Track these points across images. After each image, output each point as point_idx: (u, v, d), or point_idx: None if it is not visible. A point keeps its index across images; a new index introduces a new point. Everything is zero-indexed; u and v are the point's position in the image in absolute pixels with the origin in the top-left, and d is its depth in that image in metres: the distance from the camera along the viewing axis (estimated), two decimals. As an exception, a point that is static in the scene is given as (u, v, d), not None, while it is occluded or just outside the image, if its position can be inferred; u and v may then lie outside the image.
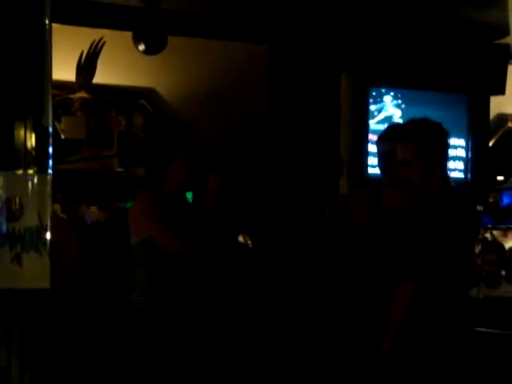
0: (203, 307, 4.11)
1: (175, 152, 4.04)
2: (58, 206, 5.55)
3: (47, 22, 2.04)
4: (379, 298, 4.19)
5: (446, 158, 4.06)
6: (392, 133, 4.46)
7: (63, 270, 4.68)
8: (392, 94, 7.72)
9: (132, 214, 4.14)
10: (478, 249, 8.17)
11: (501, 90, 7.80)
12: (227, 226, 4.40)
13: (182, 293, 4.03)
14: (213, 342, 4.12)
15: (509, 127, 8.86)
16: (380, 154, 4.50)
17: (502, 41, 7.71)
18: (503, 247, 7.59)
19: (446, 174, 4.10)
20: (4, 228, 1.96)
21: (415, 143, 3.93)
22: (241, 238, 4.23)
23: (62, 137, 5.77)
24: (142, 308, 4.07)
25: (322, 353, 4.84)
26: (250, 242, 4.22)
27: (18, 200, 1.97)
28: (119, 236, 5.34)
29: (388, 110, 7.76)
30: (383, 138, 4.50)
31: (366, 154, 7.46)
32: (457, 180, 7.35)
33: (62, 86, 4.34)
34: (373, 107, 7.69)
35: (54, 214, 4.57)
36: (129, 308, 4.12)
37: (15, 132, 1.97)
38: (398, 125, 5.47)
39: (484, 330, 4.71)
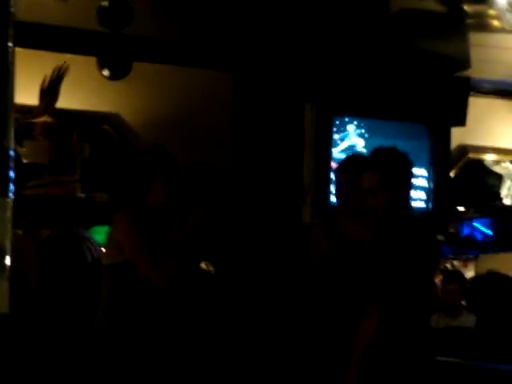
0: (166, 334, 4.09)
1: (154, 176, 4.04)
2: (20, 232, 5.50)
3: (10, 45, 2.04)
4: (342, 327, 4.19)
5: (409, 188, 4.10)
6: (351, 163, 4.49)
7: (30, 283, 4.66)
8: (355, 123, 7.77)
9: (112, 237, 4.11)
10: (438, 278, 8.23)
11: (461, 122, 7.88)
12: (194, 253, 4.39)
13: (150, 320, 4.00)
14: (173, 369, 4.09)
15: (469, 158, 8.95)
16: (338, 184, 4.52)
17: (463, 73, 7.81)
18: (464, 277, 7.64)
19: (409, 203, 4.14)
20: (-37, 251, 1.94)
21: (381, 172, 3.97)
22: (203, 265, 4.23)
23: (24, 161, 5.74)
24: (101, 333, 4.03)
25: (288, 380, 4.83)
26: (212, 269, 4.22)
27: (-23, 223, 1.96)
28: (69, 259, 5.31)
29: (351, 139, 7.81)
30: (342, 168, 4.53)
31: (329, 182, 7.49)
32: (418, 209, 7.41)
33: (25, 110, 4.32)
34: (336, 136, 7.73)
35: (15, 234, 4.53)
36: (88, 333, 4.09)
37: (-24, 155, 1.96)
38: (357, 155, 5.51)
39: (444, 359, 4.73)
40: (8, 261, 2.00)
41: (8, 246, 2.00)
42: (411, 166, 4.08)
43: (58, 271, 5.29)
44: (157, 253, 3.96)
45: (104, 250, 4.30)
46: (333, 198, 6.99)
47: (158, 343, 3.98)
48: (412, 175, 4.11)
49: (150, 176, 4.05)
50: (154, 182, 4.05)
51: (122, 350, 3.96)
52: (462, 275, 7.72)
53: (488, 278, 5.22)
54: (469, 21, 7.01)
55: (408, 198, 4.10)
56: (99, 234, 6.32)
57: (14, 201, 2.02)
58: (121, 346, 3.97)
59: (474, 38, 6.98)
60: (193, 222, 4.06)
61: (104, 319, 4.03)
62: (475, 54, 7.40)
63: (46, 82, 4.35)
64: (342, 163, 4.63)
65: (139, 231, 4.00)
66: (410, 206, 4.15)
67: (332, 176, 7.38)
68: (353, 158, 4.94)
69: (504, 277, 5.22)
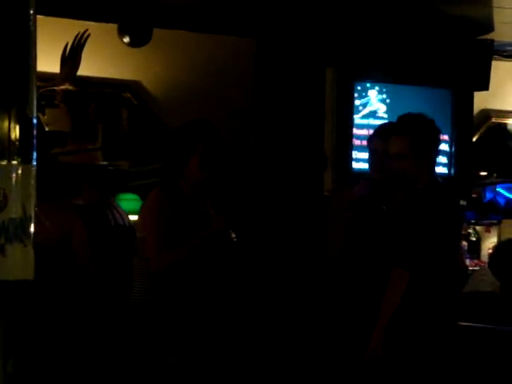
0: (190, 300, 4.12)
1: (195, 149, 4.05)
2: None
3: (32, 13, 2.04)
4: (373, 291, 4.21)
5: (436, 154, 4.10)
6: (386, 130, 4.47)
7: (84, 255, 4.73)
8: (377, 88, 7.73)
9: (142, 209, 4.24)
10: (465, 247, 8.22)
11: (485, 86, 7.82)
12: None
13: (174, 287, 4.05)
14: (196, 334, 4.13)
15: (492, 123, 8.89)
16: (372, 151, 4.51)
17: (486, 36, 7.74)
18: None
19: (435, 170, 4.14)
20: (-13, 219, 1.95)
21: (410, 137, 3.97)
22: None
23: (46, 129, 5.75)
24: (134, 301, 4.09)
25: (313, 347, 4.86)
26: (234, 236, 4.24)
27: (1, 191, 1.97)
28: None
29: (373, 104, 7.77)
30: (377, 135, 4.52)
31: (351, 148, 7.47)
32: (441, 175, 7.38)
33: (46, 77, 4.33)
34: (357, 102, 7.69)
35: (62, 205, 4.55)
36: (122, 301, 4.16)
37: (-1, 122, 1.97)
38: (391, 123, 5.49)
39: (468, 324, 4.73)
40: (32, 228, 2.01)
41: (32, 213, 2.00)
42: (439, 132, 4.09)
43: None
44: (176, 231, 4.01)
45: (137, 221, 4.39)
46: (358, 165, 6.99)
47: (177, 307, 4.04)
48: (439, 142, 4.11)
49: (190, 147, 4.07)
50: (194, 155, 4.07)
51: (146, 315, 4.01)
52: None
53: (510, 245, 5.22)
54: (492, -17, 6.94)
55: (434, 165, 4.10)
56: (124, 201, 6.37)
57: (47, 169, 2.03)
58: (145, 311, 4.02)
59: (497, 0, 6.90)
60: (213, 231, 4.11)
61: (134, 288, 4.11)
62: (498, 17, 7.33)
63: (67, 50, 4.35)
64: (375, 131, 4.62)
65: (167, 208, 4.04)
66: (435, 172, 4.15)
67: (355, 142, 7.37)
68: (386, 125, 4.92)
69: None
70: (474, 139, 8.61)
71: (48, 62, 4.04)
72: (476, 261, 9.04)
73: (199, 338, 4.12)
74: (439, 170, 7.81)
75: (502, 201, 8.90)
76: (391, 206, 4.36)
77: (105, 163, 6.58)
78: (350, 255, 4.49)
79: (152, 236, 4.04)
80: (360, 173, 6.35)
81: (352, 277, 4.44)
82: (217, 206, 4.27)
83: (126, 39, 6.98)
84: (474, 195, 8.76)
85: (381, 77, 7.64)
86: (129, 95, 7.46)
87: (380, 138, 4.46)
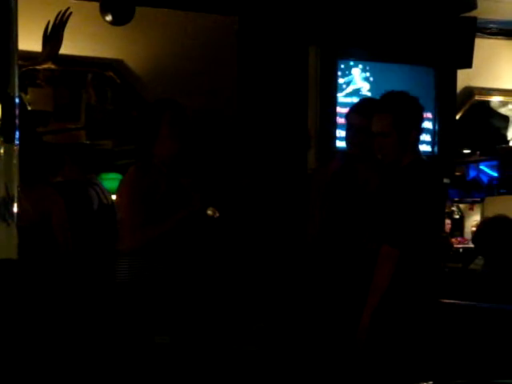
0: (172, 279, 4.13)
1: (161, 123, 4.04)
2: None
3: (13, -10, 2.02)
4: (354, 271, 4.21)
5: (419, 132, 4.11)
6: (364, 107, 4.47)
7: (63, 235, 4.72)
8: (360, 66, 7.72)
9: (118, 188, 4.22)
10: (448, 225, 8.25)
11: (468, 64, 7.82)
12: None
13: (158, 264, 4.06)
14: (180, 313, 4.13)
15: (475, 100, 8.91)
16: (349, 128, 4.50)
17: (470, 14, 7.73)
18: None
19: (418, 148, 4.15)
20: (-30, 199, 1.94)
21: (393, 114, 3.97)
22: (209, 211, 4.24)
23: (29, 108, 5.72)
24: (118, 281, 4.09)
25: (299, 324, 4.87)
26: (217, 215, 4.23)
27: (-16, 171, 1.95)
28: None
29: (356, 82, 7.76)
30: (355, 111, 4.51)
31: (334, 127, 7.47)
32: (424, 153, 7.39)
33: (28, 56, 4.30)
34: (341, 80, 7.69)
35: (40, 185, 4.56)
36: (105, 280, 4.16)
37: (-19, 102, 1.95)
38: (370, 99, 5.47)
39: (451, 301, 4.76)
40: (16, 208, 2.00)
41: (15, 193, 1.99)
42: (422, 110, 4.09)
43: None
44: (149, 215, 4.01)
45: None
46: (341, 143, 6.99)
47: (162, 285, 4.05)
48: (422, 120, 4.12)
49: (157, 122, 4.06)
50: (161, 128, 4.06)
51: (132, 293, 4.02)
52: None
53: (495, 222, 5.24)
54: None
55: (417, 142, 4.11)
56: (107, 180, 6.35)
57: (28, 148, 2.01)
58: (131, 289, 4.02)
59: (481, -22, 6.90)
60: (190, 210, 4.09)
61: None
62: (481, -5, 7.34)
63: (49, 29, 4.33)
64: (354, 106, 4.61)
65: (139, 190, 4.03)
66: (419, 150, 4.16)
67: (339, 121, 7.37)
68: (365, 100, 4.91)
69: (511, 220, 5.24)
70: (458, 117, 8.63)
71: (30, 40, 4.02)
72: (459, 238, 9.09)
73: (184, 316, 4.13)
74: (422, 148, 7.83)
75: (485, 178, 8.94)
76: (366, 183, 4.36)
77: (88, 142, 6.56)
78: (328, 232, 4.48)
79: (127, 214, 4.04)
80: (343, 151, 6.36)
81: (331, 256, 4.43)
82: (195, 184, 4.26)
83: (109, 17, 6.94)
84: (457, 173, 8.79)
85: (364, 55, 7.64)
86: (111, 74, 7.42)
87: (357, 113, 4.45)
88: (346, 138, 4.56)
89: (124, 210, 4.06)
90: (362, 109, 4.44)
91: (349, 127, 4.50)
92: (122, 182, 4.22)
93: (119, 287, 4.07)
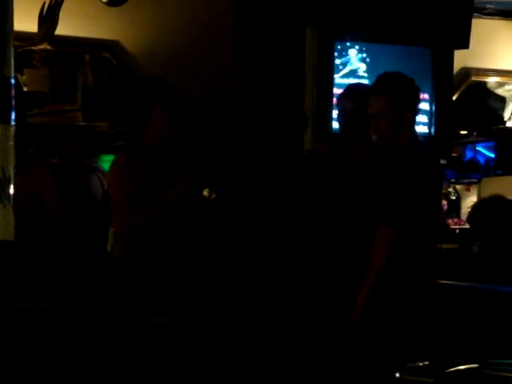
0: (171, 259, 4.12)
1: (153, 103, 4.01)
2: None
3: (8, -29, 2.01)
4: (356, 253, 4.21)
5: (416, 113, 4.10)
6: (354, 90, 4.47)
7: (54, 213, 4.72)
8: (357, 47, 7.70)
9: (110, 168, 4.17)
10: (445, 207, 8.25)
11: (465, 44, 7.81)
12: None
13: (154, 245, 4.05)
14: (178, 295, 4.14)
15: (472, 81, 8.90)
16: (341, 111, 4.50)
17: (467, -6, 7.72)
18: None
19: (415, 129, 4.14)
20: (-34, 179, 1.94)
21: (389, 96, 3.96)
22: (205, 193, 4.24)
23: (25, 89, 5.70)
24: (114, 258, 4.08)
25: (295, 308, 4.88)
26: (213, 196, 4.23)
27: (-20, 152, 1.95)
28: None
29: (353, 63, 7.74)
30: (345, 95, 4.51)
31: (331, 108, 7.46)
32: (421, 134, 7.39)
33: (24, 37, 4.29)
34: (338, 61, 7.67)
35: (33, 166, 4.57)
36: (101, 257, 4.15)
37: (-24, 82, 1.95)
38: (360, 83, 5.47)
39: (446, 282, 4.77)
40: (12, 189, 2.00)
41: (12, 174, 1.99)
42: (418, 91, 4.09)
43: (62, 199, 5.33)
44: (140, 197, 3.97)
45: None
46: (335, 125, 6.99)
47: (158, 266, 4.04)
48: (419, 101, 4.11)
49: (148, 102, 4.02)
50: (153, 109, 4.03)
51: (128, 273, 4.01)
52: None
53: (491, 202, 5.24)
54: None
55: (413, 124, 4.11)
56: (106, 162, 6.35)
57: (18, 129, 2.01)
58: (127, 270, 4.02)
59: (478, -42, 6.88)
60: (177, 192, 4.05)
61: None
62: (478, -25, 7.32)
63: (45, 10, 4.31)
64: (345, 90, 4.61)
65: (129, 173, 4.00)
66: (415, 131, 4.16)
67: (334, 101, 7.36)
68: (356, 85, 4.92)
69: (507, 201, 5.24)
70: (454, 98, 8.61)
71: (26, 21, 4.00)
72: (456, 219, 9.10)
73: (180, 296, 4.13)
74: (419, 129, 7.82)
75: (482, 159, 8.94)
76: (360, 166, 4.36)
77: (83, 124, 6.55)
78: (323, 213, 4.49)
79: (117, 198, 4.01)
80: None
81: (327, 236, 4.44)
82: (188, 165, 4.24)
83: (105, -2, 6.91)
84: (454, 154, 8.78)
85: (361, 36, 7.62)
86: (108, 55, 7.40)
87: (349, 97, 4.45)
88: (339, 122, 4.57)
89: (114, 193, 4.02)
90: (353, 93, 4.44)
91: (340, 111, 4.50)
92: (112, 165, 4.16)
93: (116, 266, 4.07)
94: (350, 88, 4.67)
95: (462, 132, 8.82)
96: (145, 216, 3.99)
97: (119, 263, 4.05)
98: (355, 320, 3.94)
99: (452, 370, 2.75)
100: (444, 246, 7.15)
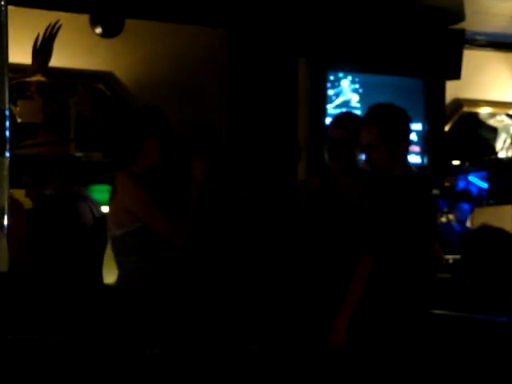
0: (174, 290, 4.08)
1: (148, 133, 3.99)
2: (21, 191, 5.50)
3: (3, 3, 2.03)
4: (332, 278, 4.21)
5: (408, 143, 4.11)
6: (344, 119, 4.48)
7: (13, 249, 4.65)
8: (350, 78, 7.76)
9: (117, 200, 3.94)
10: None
11: (456, 75, 7.87)
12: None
13: (170, 282, 3.98)
14: (171, 325, 4.12)
15: (464, 112, 8.94)
16: (330, 141, 4.50)
17: (458, 26, 7.78)
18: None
19: (407, 159, 4.15)
20: (-40, 210, 1.94)
21: (380, 127, 3.96)
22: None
23: (19, 120, 5.71)
24: (127, 294, 4.00)
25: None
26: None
27: (-26, 183, 1.96)
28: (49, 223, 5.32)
29: (346, 94, 7.79)
30: (335, 124, 4.52)
31: (324, 138, 7.49)
32: (414, 164, 7.42)
33: (18, 69, 4.30)
34: (331, 92, 7.72)
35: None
36: (103, 291, 4.10)
37: (-29, 114, 1.96)
38: (350, 112, 5.49)
39: (438, 311, 4.77)
40: (6, 220, 2.00)
41: (6, 205, 2.00)
42: (410, 121, 4.09)
43: (51, 230, 5.31)
44: (168, 211, 3.88)
45: (110, 216, 4.14)
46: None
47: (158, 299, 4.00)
48: (411, 131, 4.12)
49: (143, 134, 4.01)
50: (148, 141, 4.01)
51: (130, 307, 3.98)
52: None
53: (482, 232, 5.24)
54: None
55: (406, 154, 4.11)
56: (97, 192, 6.35)
57: (11, 160, 2.02)
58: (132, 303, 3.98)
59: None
60: (197, 182, 3.94)
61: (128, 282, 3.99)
62: (469, 7, 7.37)
63: (39, 41, 4.31)
64: (335, 120, 4.61)
65: (146, 187, 3.93)
66: (408, 161, 4.16)
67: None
68: (345, 114, 4.93)
69: (498, 230, 5.24)
70: (447, 128, 8.66)
71: (20, 53, 4.02)
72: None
73: (176, 330, 4.10)
74: (412, 159, 7.86)
75: (474, 189, 8.97)
76: (348, 198, 4.37)
77: (78, 154, 6.56)
78: (311, 247, 4.50)
79: (154, 213, 3.86)
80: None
81: (315, 268, 4.44)
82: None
83: (98, 30, 6.96)
84: (446, 184, 8.81)
85: (353, 67, 7.68)
86: (101, 86, 7.43)
87: (337, 126, 4.45)
88: (327, 153, 4.56)
89: (148, 212, 3.86)
90: (341, 122, 4.45)
91: (329, 141, 4.50)
92: (126, 189, 3.97)
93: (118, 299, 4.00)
94: (338, 117, 4.68)
95: (455, 162, 8.85)
96: (188, 221, 3.86)
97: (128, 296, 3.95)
98: (336, 347, 3.90)
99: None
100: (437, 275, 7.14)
